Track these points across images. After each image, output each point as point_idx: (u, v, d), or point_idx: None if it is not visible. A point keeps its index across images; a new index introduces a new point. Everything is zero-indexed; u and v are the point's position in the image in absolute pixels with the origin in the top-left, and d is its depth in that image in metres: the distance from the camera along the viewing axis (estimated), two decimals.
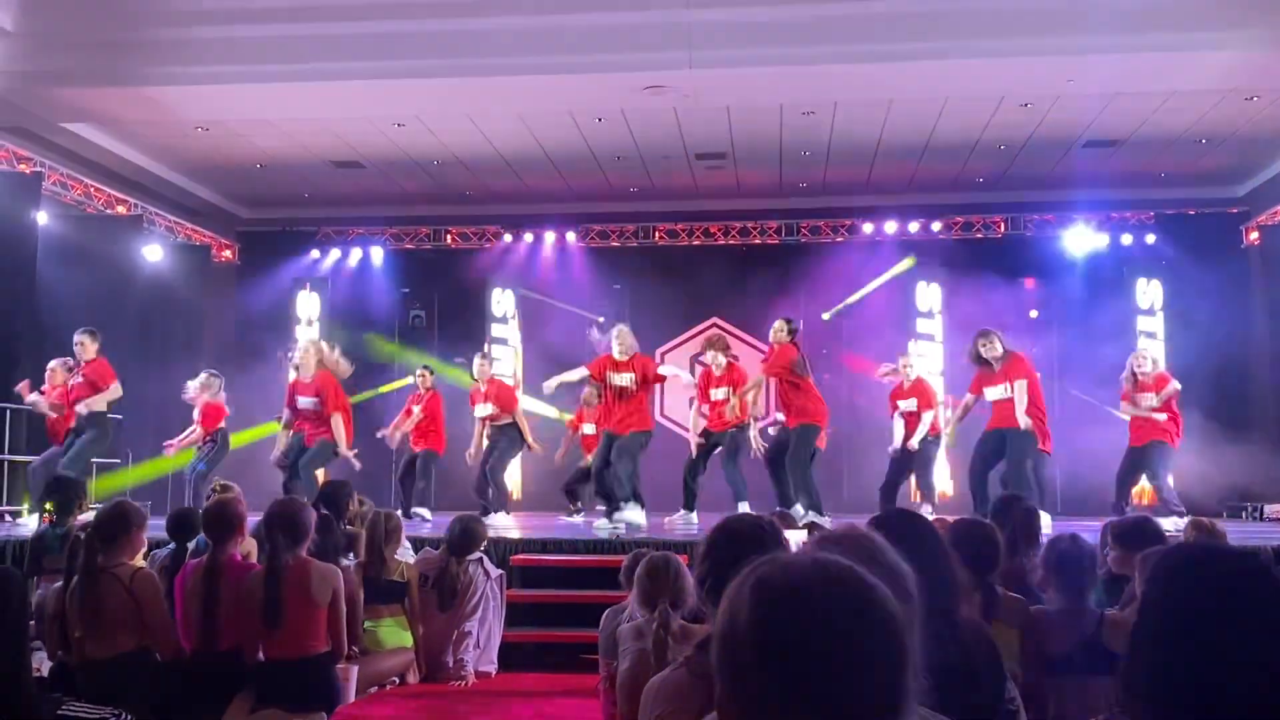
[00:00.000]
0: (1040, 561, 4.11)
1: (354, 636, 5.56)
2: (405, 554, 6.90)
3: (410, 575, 6.35)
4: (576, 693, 5.81)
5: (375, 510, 6.71)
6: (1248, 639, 2.00)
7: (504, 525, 9.75)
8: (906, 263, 13.97)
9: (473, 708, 5.73)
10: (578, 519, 10.94)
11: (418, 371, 11.55)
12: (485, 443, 10.76)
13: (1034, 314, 13.68)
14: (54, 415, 9.70)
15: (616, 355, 9.40)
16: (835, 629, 1.29)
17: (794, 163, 13.02)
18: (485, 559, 6.67)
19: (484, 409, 10.74)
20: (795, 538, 4.58)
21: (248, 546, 5.53)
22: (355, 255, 14.93)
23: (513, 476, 13.72)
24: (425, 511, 10.60)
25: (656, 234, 14.54)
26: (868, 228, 14.11)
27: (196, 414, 10.52)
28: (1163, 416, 9.75)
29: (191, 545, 5.91)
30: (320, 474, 9.82)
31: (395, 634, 6.20)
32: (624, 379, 9.35)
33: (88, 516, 6.45)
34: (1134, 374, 9.89)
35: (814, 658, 1.28)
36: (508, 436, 10.73)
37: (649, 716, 2.46)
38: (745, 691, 1.32)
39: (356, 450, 9.86)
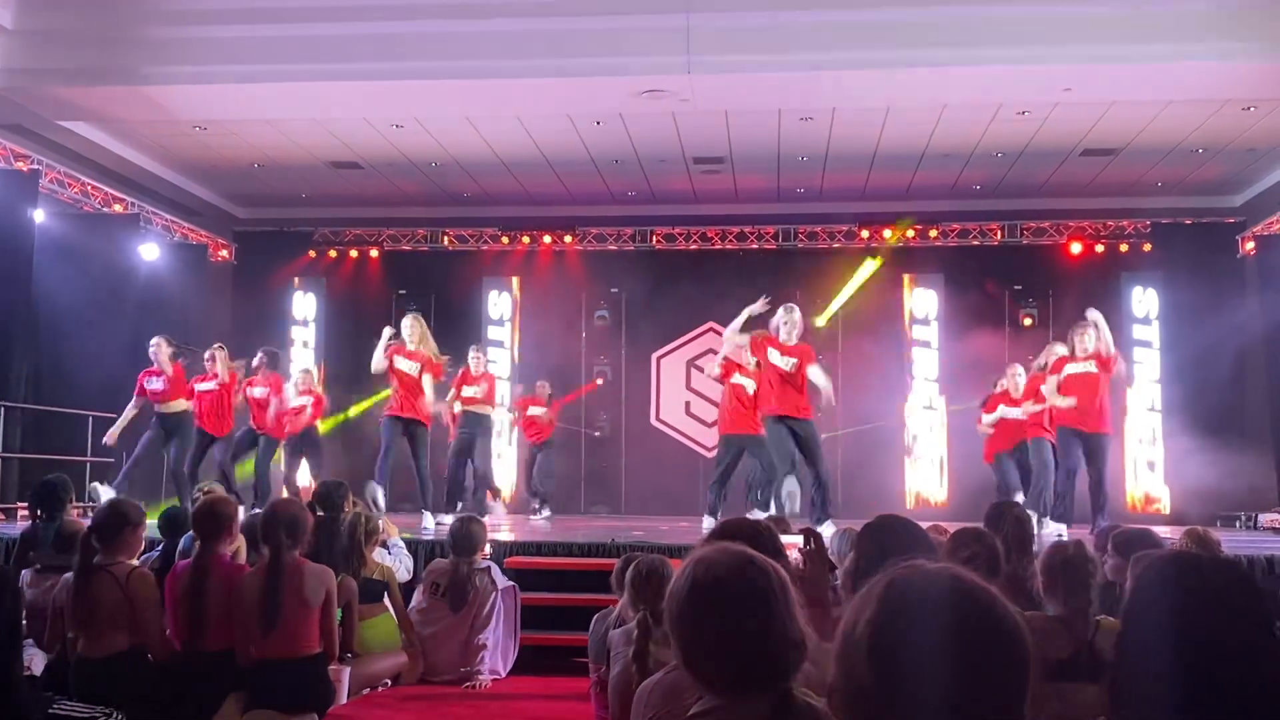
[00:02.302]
0: (1042, 567, 4.11)
1: (348, 641, 5.56)
2: (399, 553, 6.90)
3: (388, 575, 6.35)
4: (569, 696, 5.81)
5: (355, 512, 6.69)
6: (1230, 647, 2.01)
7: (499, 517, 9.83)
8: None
9: (465, 710, 5.73)
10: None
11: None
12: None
13: (1028, 321, 13.73)
14: None
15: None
16: (954, 635, 1.32)
17: (791, 168, 13.03)
18: (494, 568, 6.66)
19: (474, 390, 10.61)
20: (790, 540, 4.59)
21: (235, 545, 5.52)
22: (352, 256, 14.94)
23: (506, 478, 13.73)
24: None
25: (654, 238, 14.54)
26: (864, 234, 14.12)
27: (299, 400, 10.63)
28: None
29: (180, 545, 5.90)
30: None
31: (380, 634, 6.19)
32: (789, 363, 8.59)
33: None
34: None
35: (928, 664, 1.30)
36: (484, 426, 10.71)
37: (641, 719, 2.45)
38: (858, 687, 1.36)
39: None
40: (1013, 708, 1.31)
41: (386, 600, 6.32)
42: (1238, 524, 11.72)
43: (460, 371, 10.65)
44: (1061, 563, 4.01)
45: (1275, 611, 2.16)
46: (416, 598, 6.60)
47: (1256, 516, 11.54)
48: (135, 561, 5.10)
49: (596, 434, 12.86)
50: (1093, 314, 8.85)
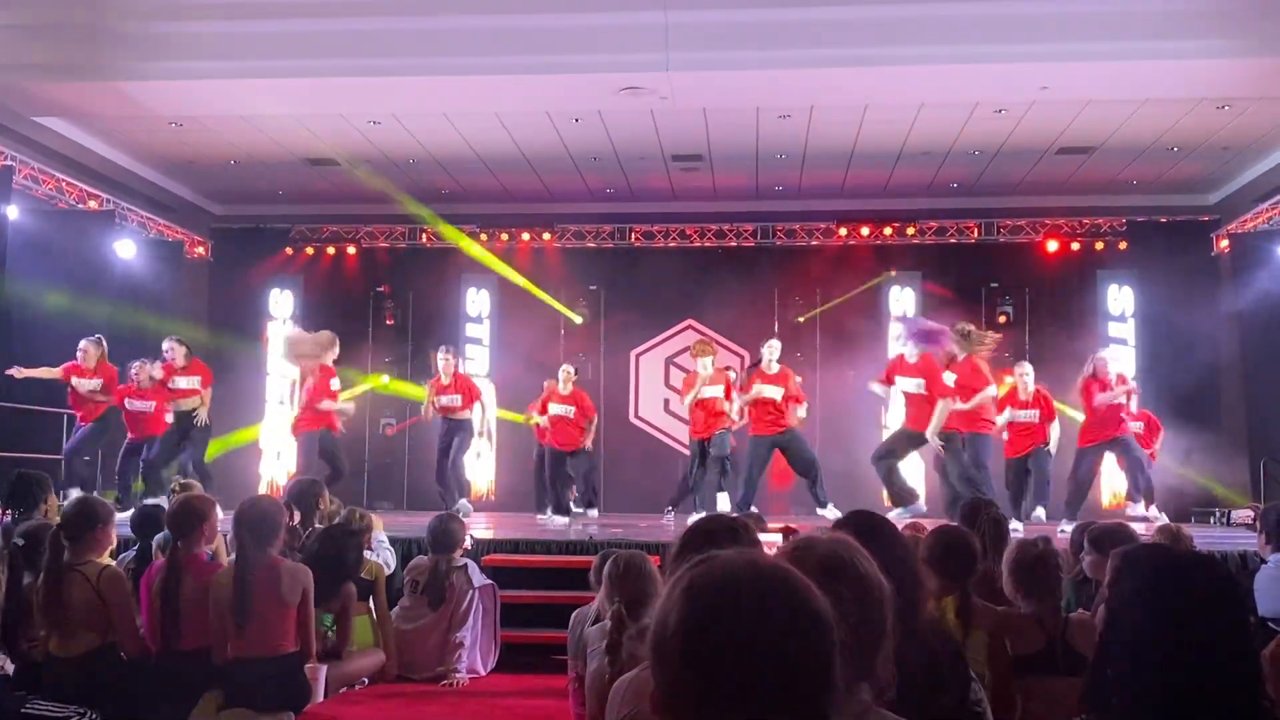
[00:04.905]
0: (1010, 566, 4.13)
1: (345, 640, 5.58)
2: (380, 548, 6.88)
3: (377, 574, 6.33)
4: (547, 693, 5.81)
5: (350, 507, 6.70)
6: (1209, 640, 2.02)
7: (465, 511, 9.81)
8: (885, 275, 14.03)
9: (443, 709, 5.72)
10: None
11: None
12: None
13: (1004, 319, 13.78)
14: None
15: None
16: (761, 627, 1.32)
17: (770, 166, 13.04)
18: (471, 566, 6.65)
19: (450, 400, 10.64)
20: (769, 539, 4.61)
21: (215, 545, 5.49)
22: (329, 253, 14.86)
23: (485, 475, 13.71)
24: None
25: (632, 235, 14.53)
26: (842, 231, 14.15)
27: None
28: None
29: (155, 543, 5.86)
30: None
31: (363, 633, 6.18)
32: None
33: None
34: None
35: (739, 654, 1.31)
36: (465, 429, 10.71)
37: (616, 716, 2.46)
38: (674, 687, 1.35)
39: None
40: (823, 668, 1.34)
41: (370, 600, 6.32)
42: (1212, 520, 11.80)
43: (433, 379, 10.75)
44: (1030, 560, 4.05)
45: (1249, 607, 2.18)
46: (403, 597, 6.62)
47: (1230, 512, 11.62)
48: (107, 560, 5.06)
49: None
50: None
